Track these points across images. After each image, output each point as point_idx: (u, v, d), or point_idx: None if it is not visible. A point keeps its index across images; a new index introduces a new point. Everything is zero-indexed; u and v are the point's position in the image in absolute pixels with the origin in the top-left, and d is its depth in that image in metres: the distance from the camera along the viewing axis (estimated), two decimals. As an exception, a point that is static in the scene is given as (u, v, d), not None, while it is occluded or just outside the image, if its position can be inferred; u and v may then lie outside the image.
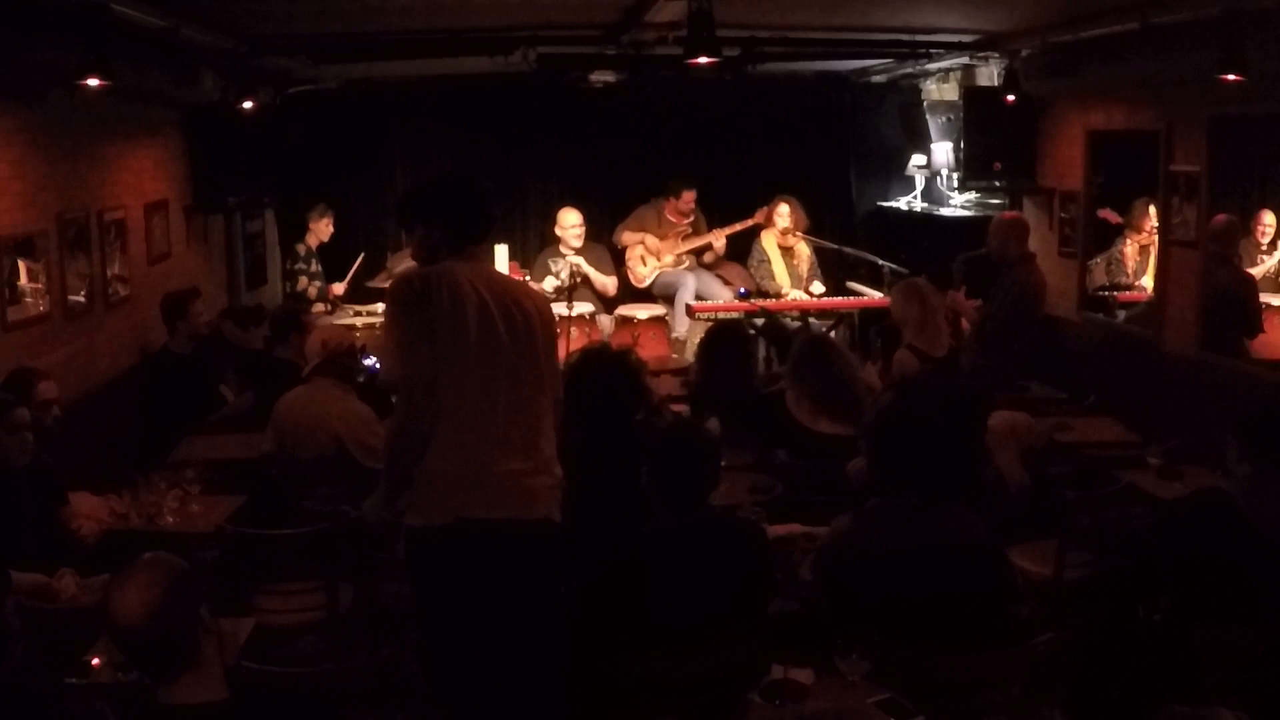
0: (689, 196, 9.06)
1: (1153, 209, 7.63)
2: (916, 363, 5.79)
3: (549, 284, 8.70)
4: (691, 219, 9.23)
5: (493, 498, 3.40)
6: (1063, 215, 7.99)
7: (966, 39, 7.65)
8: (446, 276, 3.44)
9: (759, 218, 8.95)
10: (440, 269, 3.49)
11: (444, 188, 3.69)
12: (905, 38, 7.72)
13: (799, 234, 8.86)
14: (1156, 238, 7.52)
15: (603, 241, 9.29)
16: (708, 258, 9.27)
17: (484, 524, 3.37)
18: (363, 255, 9.13)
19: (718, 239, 9.14)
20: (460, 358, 3.39)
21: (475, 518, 3.37)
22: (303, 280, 8.88)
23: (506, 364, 3.45)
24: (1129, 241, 7.84)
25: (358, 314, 8.59)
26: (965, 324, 6.93)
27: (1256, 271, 7.15)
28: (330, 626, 4.32)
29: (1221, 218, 6.48)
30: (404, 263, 8.79)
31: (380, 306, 8.68)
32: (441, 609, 3.48)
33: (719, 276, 9.19)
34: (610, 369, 4.22)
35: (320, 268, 9.00)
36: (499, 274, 3.95)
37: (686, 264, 9.15)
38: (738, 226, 9.10)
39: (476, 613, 3.45)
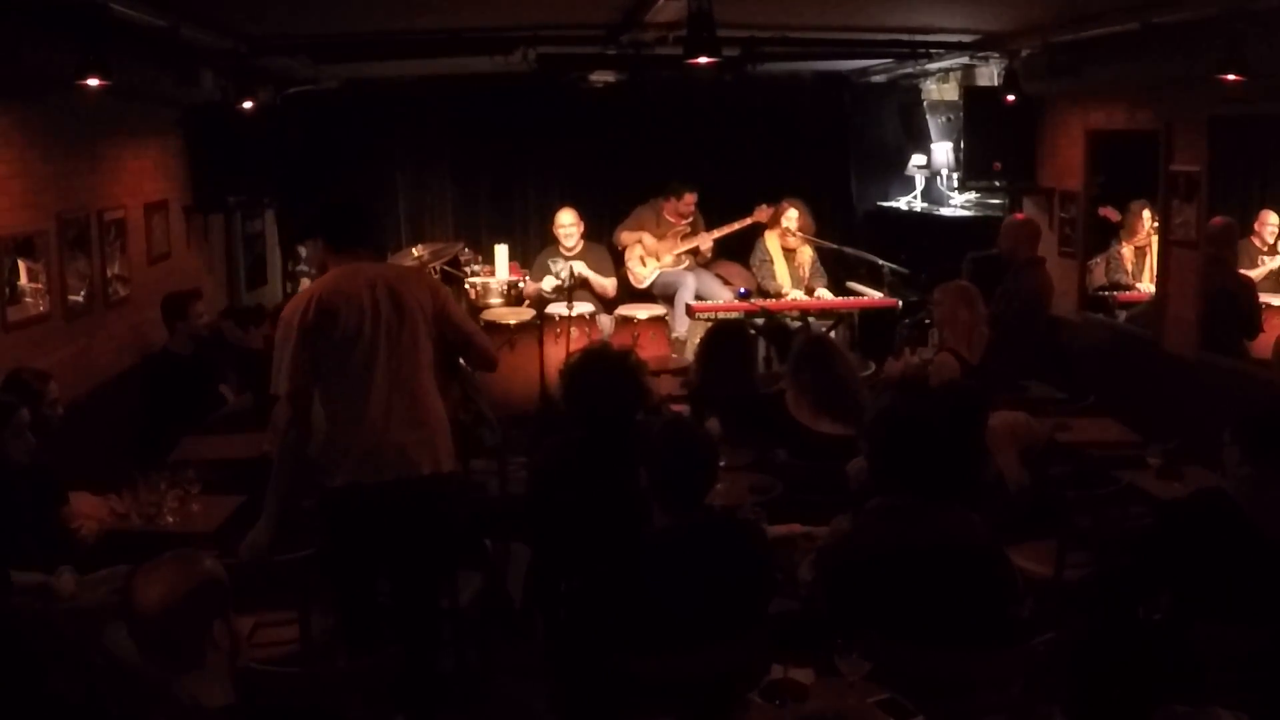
0: (690, 198, 9.05)
1: (1146, 212, 7.65)
2: (957, 366, 5.71)
3: (548, 283, 8.70)
4: (691, 219, 9.23)
5: (381, 464, 3.98)
6: (1063, 215, 7.99)
7: (966, 39, 7.65)
8: (322, 291, 4.03)
9: (759, 216, 8.94)
10: (320, 284, 4.09)
11: (323, 206, 4.39)
12: (905, 38, 7.72)
13: (802, 236, 8.86)
14: (1152, 240, 7.53)
15: (603, 242, 9.29)
16: (699, 257, 9.27)
17: (376, 486, 3.97)
18: None
19: (705, 241, 9.13)
20: (340, 356, 3.98)
21: (367, 482, 3.97)
22: (305, 281, 8.88)
23: (386, 350, 4.01)
24: (1124, 244, 7.85)
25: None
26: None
27: (1258, 274, 7.15)
28: (308, 658, 4.12)
29: (1218, 220, 6.48)
30: (404, 263, 8.81)
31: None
32: (347, 554, 4.05)
33: (719, 276, 9.19)
34: (611, 369, 4.21)
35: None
36: (378, 268, 4.27)
37: (686, 264, 9.15)
38: (735, 226, 9.09)
39: (377, 556, 4.06)
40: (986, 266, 7.26)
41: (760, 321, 8.12)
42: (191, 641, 2.39)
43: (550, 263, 8.88)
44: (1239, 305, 6.62)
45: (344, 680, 3.26)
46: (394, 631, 4.05)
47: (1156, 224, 7.33)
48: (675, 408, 5.72)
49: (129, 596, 2.40)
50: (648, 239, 9.10)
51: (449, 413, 4.33)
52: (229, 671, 2.46)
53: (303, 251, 8.97)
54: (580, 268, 8.66)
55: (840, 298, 8.76)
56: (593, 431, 4.08)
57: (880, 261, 8.51)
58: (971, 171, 8.38)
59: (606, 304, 8.87)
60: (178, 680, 2.40)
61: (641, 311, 8.50)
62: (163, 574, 2.41)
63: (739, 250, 9.32)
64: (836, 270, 9.24)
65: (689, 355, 7.83)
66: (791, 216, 8.81)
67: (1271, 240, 7.22)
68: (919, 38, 7.68)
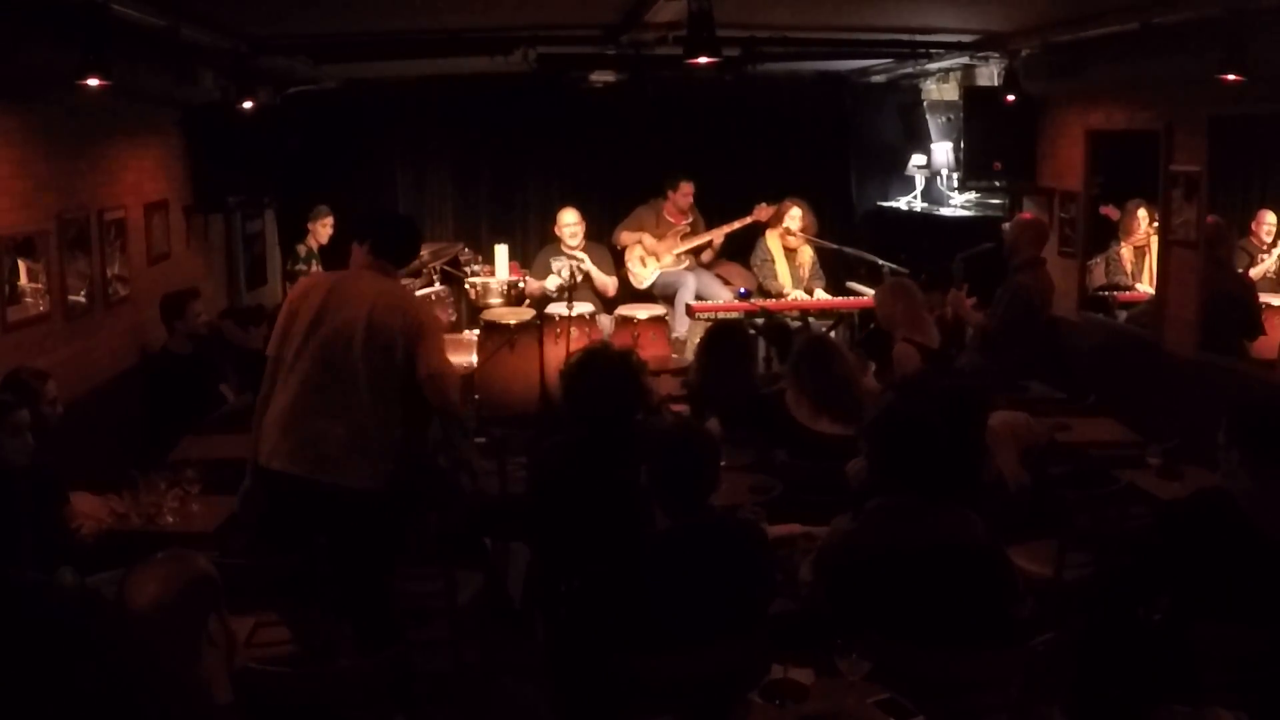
0: (686, 188, 9.06)
1: (1142, 212, 7.65)
2: (917, 354, 5.77)
3: (551, 282, 8.71)
4: (691, 219, 9.24)
5: (308, 460, 4.17)
6: (1063, 215, 7.99)
7: (966, 39, 7.65)
8: (326, 281, 4.40)
9: (760, 215, 8.95)
10: (330, 275, 4.50)
11: (383, 217, 4.92)
12: (905, 38, 7.72)
13: (803, 236, 8.87)
14: (1151, 240, 7.52)
15: (602, 242, 9.30)
16: (706, 256, 9.28)
17: (305, 480, 4.16)
18: None
19: (717, 237, 9.14)
20: (309, 342, 4.21)
21: (297, 474, 4.17)
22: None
23: (356, 359, 4.18)
24: (1123, 244, 7.85)
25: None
26: (968, 323, 6.92)
27: (1256, 272, 7.15)
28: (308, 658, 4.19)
29: (1210, 220, 6.47)
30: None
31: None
32: (275, 526, 4.30)
33: (719, 276, 9.20)
34: (612, 369, 4.21)
35: (321, 268, 9.02)
36: (384, 286, 4.42)
37: (686, 264, 9.16)
38: (735, 225, 9.10)
39: (304, 538, 4.22)
40: (978, 264, 7.27)
41: (760, 321, 8.12)
42: (187, 639, 2.40)
43: (552, 260, 8.89)
44: (1239, 307, 6.62)
45: (344, 680, 3.25)
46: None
47: (1154, 223, 7.33)
48: (675, 408, 5.72)
49: (122, 597, 2.41)
50: (648, 239, 9.11)
51: (427, 451, 4.51)
52: (226, 670, 2.46)
53: (301, 250, 8.99)
54: (584, 260, 8.68)
55: (840, 298, 8.77)
56: (593, 432, 4.08)
57: (880, 261, 8.52)
58: (971, 171, 8.39)
59: (606, 304, 8.88)
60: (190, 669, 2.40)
61: (641, 311, 8.50)
62: (155, 573, 2.41)
63: (739, 250, 9.32)
64: (836, 270, 9.26)
65: (689, 355, 7.83)
66: (795, 216, 8.82)
67: (1268, 240, 7.23)
68: (919, 38, 7.69)
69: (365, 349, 4.21)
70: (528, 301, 8.91)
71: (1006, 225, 7.09)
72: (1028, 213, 7.89)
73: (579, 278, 8.60)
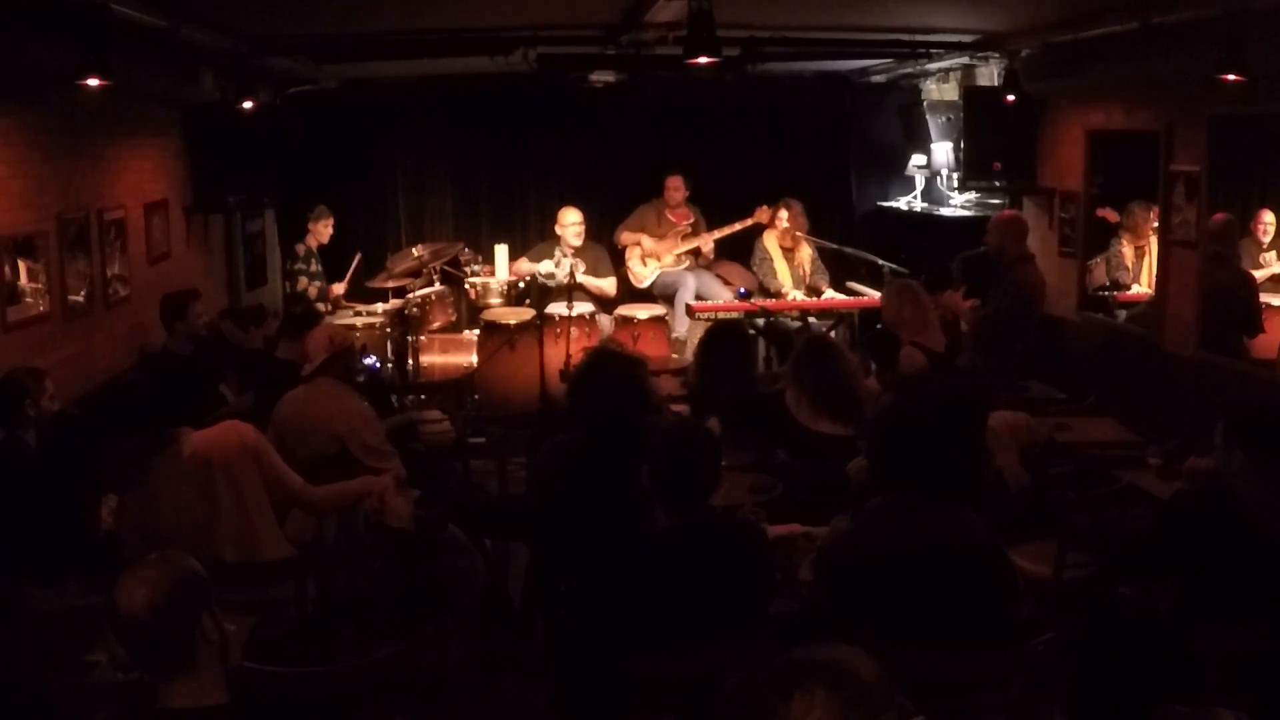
0: (674, 182, 9.09)
1: (1150, 212, 7.64)
2: (923, 357, 5.77)
3: (545, 266, 8.73)
4: (693, 219, 9.24)
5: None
6: (1063, 215, 7.99)
7: (966, 39, 7.66)
8: (143, 499, 4.23)
9: (760, 217, 8.96)
10: (144, 493, 4.27)
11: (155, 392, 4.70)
12: (905, 38, 7.72)
13: (799, 235, 8.87)
14: (1153, 239, 7.52)
15: (603, 241, 9.30)
16: (699, 259, 9.28)
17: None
18: (359, 256, 9.18)
19: (705, 243, 9.14)
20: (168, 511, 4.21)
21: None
22: (303, 280, 8.90)
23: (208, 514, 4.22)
24: (1125, 243, 7.85)
25: (357, 314, 8.61)
26: (964, 324, 6.92)
27: (1261, 274, 7.14)
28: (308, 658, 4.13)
29: (1219, 217, 6.47)
30: (404, 263, 8.83)
31: (380, 306, 8.72)
32: None
33: (719, 276, 9.20)
34: (621, 374, 4.18)
35: (320, 268, 9.02)
36: (208, 446, 4.34)
37: (686, 264, 9.16)
38: (735, 227, 9.10)
39: None
40: (977, 266, 7.26)
41: (760, 321, 8.12)
42: (182, 639, 2.40)
43: (557, 250, 8.91)
44: (1240, 304, 6.62)
45: (344, 680, 3.25)
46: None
47: (1155, 224, 7.33)
48: (675, 408, 5.72)
49: (114, 604, 2.41)
50: (647, 240, 9.12)
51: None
52: (221, 669, 2.47)
53: (300, 250, 8.99)
54: (579, 272, 8.68)
55: (840, 297, 8.78)
56: (595, 433, 4.07)
57: (880, 261, 8.52)
58: (971, 171, 8.38)
59: (606, 304, 8.88)
60: (166, 688, 2.41)
61: (641, 311, 8.51)
62: (145, 575, 2.42)
63: (739, 250, 9.32)
64: (837, 270, 9.26)
65: (689, 355, 7.83)
66: (782, 216, 8.83)
67: (1266, 240, 7.23)
68: (919, 38, 7.69)
69: (230, 496, 4.25)
70: (528, 301, 8.91)
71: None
72: (1007, 210, 7.88)
73: (577, 276, 8.61)
